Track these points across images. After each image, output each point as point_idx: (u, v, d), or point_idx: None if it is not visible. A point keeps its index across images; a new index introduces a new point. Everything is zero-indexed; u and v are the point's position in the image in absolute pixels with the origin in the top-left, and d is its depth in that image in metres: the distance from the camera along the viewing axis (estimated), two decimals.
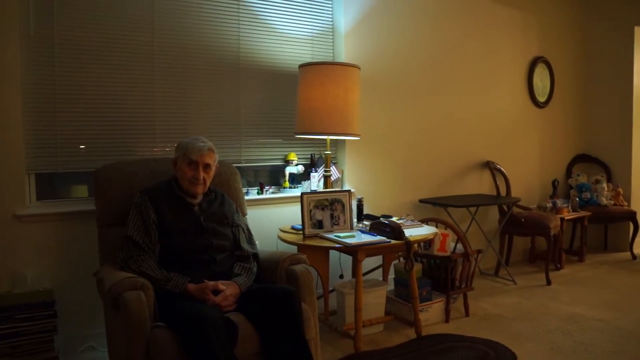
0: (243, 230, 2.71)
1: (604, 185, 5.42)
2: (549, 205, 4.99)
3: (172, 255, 2.43)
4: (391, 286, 3.64)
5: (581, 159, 5.87)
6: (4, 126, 2.75)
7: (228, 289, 2.35)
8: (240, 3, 3.52)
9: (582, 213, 5.11)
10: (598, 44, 5.82)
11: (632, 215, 5.28)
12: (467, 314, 3.65)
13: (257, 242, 2.79)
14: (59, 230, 2.90)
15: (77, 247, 2.93)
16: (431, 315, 3.51)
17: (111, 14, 3.08)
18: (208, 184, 2.59)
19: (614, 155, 5.72)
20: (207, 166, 2.55)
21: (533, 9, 5.31)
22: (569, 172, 5.78)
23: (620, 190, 5.49)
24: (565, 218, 4.88)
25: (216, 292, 2.33)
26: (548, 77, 5.52)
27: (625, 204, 5.47)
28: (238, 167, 3.20)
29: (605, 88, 5.78)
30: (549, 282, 4.39)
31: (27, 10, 2.83)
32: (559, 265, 4.88)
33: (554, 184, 5.28)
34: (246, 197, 3.24)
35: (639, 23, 5.51)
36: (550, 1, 5.52)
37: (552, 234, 4.47)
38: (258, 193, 3.58)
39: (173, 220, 2.48)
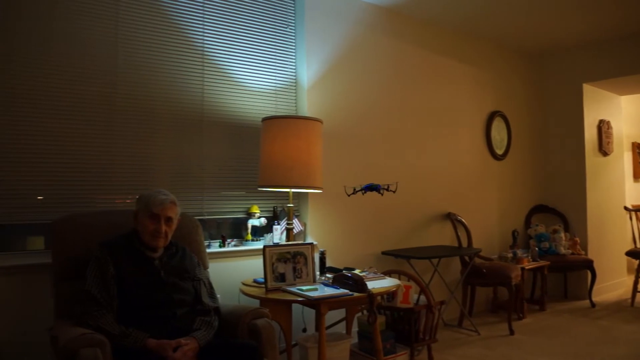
0: (204, 284, 2.67)
1: (562, 234, 5.56)
2: (510, 255, 5.07)
3: (132, 310, 2.37)
4: (355, 339, 3.61)
5: (539, 209, 6.03)
6: None
7: (187, 345, 2.30)
8: (205, 56, 3.57)
9: (542, 262, 5.21)
10: (551, 99, 6.11)
11: (589, 264, 5.41)
12: None
13: (219, 296, 2.75)
14: (12, 283, 2.77)
15: (31, 302, 2.80)
16: None
17: (70, 63, 3.06)
18: (169, 237, 2.56)
19: (570, 206, 5.91)
20: (168, 219, 2.52)
21: (487, 67, 5.55)
22: (527, 223, 5.91)
23: (577, 239, 5.64)
24: (526, 268, 4.96)
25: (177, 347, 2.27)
26: (505, 130, 5.71)
27: (582, 252, 5.62)
28: (200, 220, 3.17)
29: (559, 141, 6.04)
30: (512, 332, 4.42)
31: None
32: (521, 315, 4.93)
33: (514, 234, 5.39)
34: (208, 250, 3.20)
35: (587, 80, 5.83)
36: (504, 59, 5.79)
37: (513, 283, 4.53)
38: (220, 246, 3.53)
39: (133, 274, 2.42)
